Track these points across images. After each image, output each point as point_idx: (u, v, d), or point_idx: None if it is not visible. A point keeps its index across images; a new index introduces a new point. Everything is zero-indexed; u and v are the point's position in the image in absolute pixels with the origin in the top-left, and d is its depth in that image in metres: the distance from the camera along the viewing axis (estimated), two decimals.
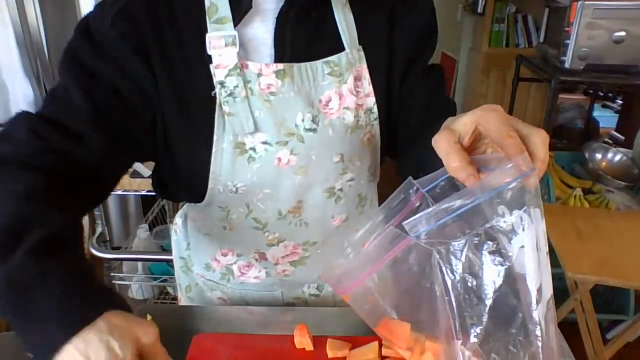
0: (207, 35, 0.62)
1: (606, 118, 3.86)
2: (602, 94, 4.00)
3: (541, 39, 2.79)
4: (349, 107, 0.68)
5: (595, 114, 3.60)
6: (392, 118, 0.74)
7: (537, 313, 0.45)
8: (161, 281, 1.75)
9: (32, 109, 0.58)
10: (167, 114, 0.65)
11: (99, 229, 1.53)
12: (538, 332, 0.45)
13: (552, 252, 1.54)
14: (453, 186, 0.49)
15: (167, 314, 0.74)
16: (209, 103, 0.63)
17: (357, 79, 0.69)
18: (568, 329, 1.71)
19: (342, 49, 0.68)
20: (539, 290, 0.45)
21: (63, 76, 0.61)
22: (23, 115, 0.58)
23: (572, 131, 3.44)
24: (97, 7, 0.63)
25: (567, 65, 2.27)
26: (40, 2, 2.15)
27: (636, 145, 2.31)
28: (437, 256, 0.44)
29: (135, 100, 0.62)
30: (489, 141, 0.49)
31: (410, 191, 0.51)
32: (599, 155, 2.30)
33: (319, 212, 0.73)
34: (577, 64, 2.25)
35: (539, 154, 0.45)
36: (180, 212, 0.88)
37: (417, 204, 0.51)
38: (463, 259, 0.44)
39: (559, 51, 2.34)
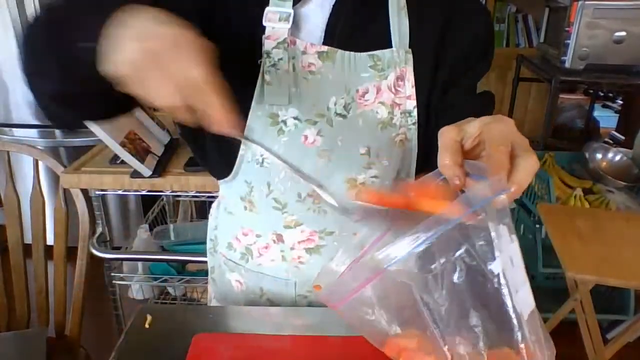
0: (267, 9, 0.67)
1: (606, 118, 3.85)
2: (602, 94, 3.99)
3: (541, 39, 2.79)
4: (384, 102, 0.70)
5: (596, 114, 3.59)
6: (431, 128, 0.73)
7: (525, 331, 0.44)
8: (161, 281, 1.74)
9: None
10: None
11: (99, 229, 1.53)
12: (525, 346, 0.44)
13: (552, 252, 1.54)
14: None
15: (167, 314, 0.74)
16: (255, 70, 0.68)
17: (400, 78, 0.70)
18: (568, 329, 1.72)
19: (389, 46, 0.69)
20: (521, 310, 0.44)
21: None
22: None
23: (572, 131, 3.44)
24: None
25: (567, 65, 2.27)
26: (40, 2, 2.16)
27: (636, 145, 2.31)
28: (414, 285, 0.44)
29: None
30: None
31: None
32: (599, 155, 2.30)
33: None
34: (578, 63, 2.25)
35: (517, 177, 0.44)
36: (218, 197, 0.91)
37: None
38: (442, 286, 0.44)
39: (559, 51, 2.34)
